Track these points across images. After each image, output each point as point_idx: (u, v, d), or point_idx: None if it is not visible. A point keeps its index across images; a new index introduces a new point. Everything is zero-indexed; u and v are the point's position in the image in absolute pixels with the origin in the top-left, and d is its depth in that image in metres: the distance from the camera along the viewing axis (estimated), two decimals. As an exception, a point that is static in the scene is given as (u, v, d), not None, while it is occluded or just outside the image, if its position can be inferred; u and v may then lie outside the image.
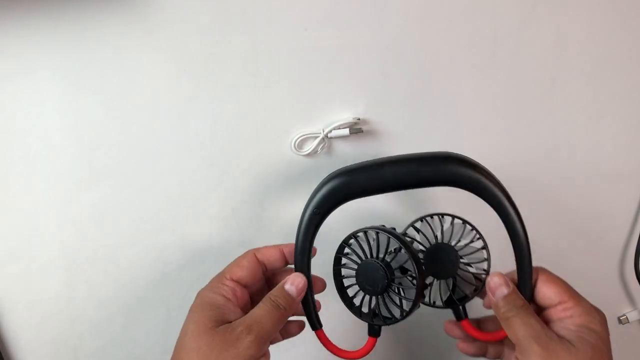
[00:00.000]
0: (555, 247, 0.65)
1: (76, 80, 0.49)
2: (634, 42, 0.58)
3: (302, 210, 0.43)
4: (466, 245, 0.45)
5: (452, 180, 0.39)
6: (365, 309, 0.44)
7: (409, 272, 0.42)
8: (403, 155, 0.41)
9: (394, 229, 0.45)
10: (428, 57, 0.54)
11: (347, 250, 0.45)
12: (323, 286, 0.47)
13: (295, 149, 0.54)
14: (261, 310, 0.40)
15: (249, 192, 0.56)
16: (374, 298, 0.43)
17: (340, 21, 0.51)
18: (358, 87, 0.54)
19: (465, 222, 0.46)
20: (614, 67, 0.59)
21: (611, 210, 0.66)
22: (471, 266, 0.46)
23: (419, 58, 0.54)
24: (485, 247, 0.46)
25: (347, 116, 0.54)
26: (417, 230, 0.47)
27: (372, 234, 0.43)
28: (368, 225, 0.45)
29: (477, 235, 0.46)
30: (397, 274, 0.42)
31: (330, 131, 0.53)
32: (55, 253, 0.54)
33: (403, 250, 0.41)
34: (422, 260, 0.44)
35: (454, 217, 0.47)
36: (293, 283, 0.42)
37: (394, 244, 0.42)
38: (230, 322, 0.39)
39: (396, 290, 0.42)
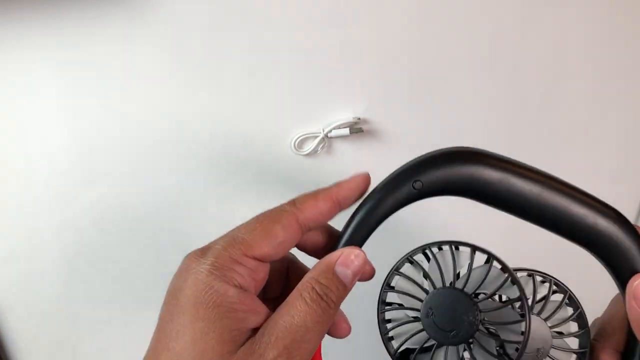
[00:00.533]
0: (556, 248, 0.65)
1: (75, 79, 0.49)
2: (635, 41, 0.58)
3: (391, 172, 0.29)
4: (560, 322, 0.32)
5: (600, 252, 0.28)
6: (397, 343, 0.31)
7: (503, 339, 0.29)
8: (572, 186, 0.28)
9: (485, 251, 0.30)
10: (429, 57, 0.54)
11: (407, 269, 0.31)
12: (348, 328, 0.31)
13: (295, 149, 0.54)
14: (302, 314, 0.24)
15: (249, 192, 0.56)
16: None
17: (340, 20, 0.51)
18: (358, 86, 0.54)
19: (567, 292, 0.32)
20: (615, 67, 0.58)
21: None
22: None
23: (420, 58, 0.54)
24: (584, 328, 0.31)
25: (347, 116, 0.54)
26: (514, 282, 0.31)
27: (474, 257, 0.29)
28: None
29: (576, 310, 0.32)
30: (483, 326, 0.28)
31: (331, 131, 0.53)
32: (55, 253, 0.54)
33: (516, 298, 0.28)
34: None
35: (555, 282, 0.33)
36: (348, 264, 0.26)
37: (500, 283, 0.29)
38: (252, 330, 0.25)
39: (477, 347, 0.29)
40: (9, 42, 0.46)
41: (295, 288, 0.26)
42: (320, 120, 0.54)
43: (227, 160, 0.54)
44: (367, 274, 0.30)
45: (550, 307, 0.32)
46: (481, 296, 0.29)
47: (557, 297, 0.32)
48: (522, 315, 0.28)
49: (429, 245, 0.30)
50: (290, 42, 0.51)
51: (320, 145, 0.54)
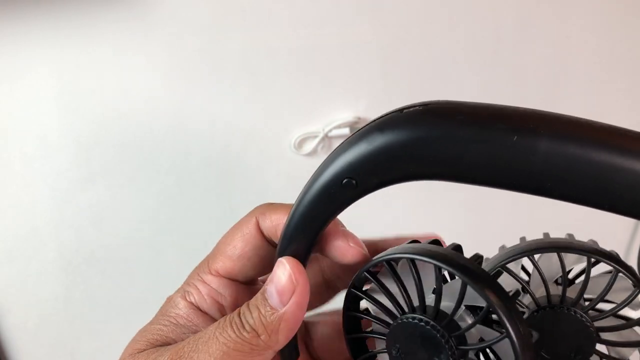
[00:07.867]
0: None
1: (73, 79, 0.48)
2: (637, 40, 0.57)
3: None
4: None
5: None
6: None
7: None
8: (596, 124, 0.17)
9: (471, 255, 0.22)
10: (429, 55, 0.54)
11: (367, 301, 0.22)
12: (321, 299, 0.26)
13: (295, 149, 0.54)
14: (210, 348, 0.20)
15: (249, 192, 0.56)
16: None
17: (340, 20, 0.51)
18: (358, 85, 0.53)
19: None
20: (617, 66, 0.58)
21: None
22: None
23: (420, 56, 0.54)
24: None
25: (347, 115, 0.54)
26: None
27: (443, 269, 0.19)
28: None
29: None
30: None
31: (330, 130, 0.53)
32: (53, 254, 0.53)
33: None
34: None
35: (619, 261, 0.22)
36: (277, 281, 0.21)
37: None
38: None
39: None
40: (9, 42, 0.46)
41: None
42: (320, 119, 0.54)
43: (226, 160, 0.54)
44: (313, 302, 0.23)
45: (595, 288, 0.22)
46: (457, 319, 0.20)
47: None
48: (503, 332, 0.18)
49: (389, 256, 0.21)
50: (290, 42, 0.51)
51: (320, 145, 0.54)
